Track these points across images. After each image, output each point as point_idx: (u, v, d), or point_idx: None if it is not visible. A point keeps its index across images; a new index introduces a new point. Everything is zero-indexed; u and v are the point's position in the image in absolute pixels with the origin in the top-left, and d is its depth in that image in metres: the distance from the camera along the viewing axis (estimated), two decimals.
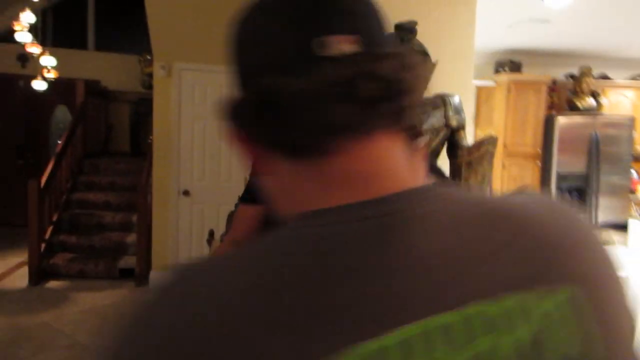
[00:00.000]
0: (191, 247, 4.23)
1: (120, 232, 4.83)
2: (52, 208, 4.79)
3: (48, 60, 4.50)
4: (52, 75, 4.69)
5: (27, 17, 4.26)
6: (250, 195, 1.27)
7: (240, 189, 1.52)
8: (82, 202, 5.13)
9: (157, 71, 4.26)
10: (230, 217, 3.65)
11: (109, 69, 6.27)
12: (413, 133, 0.40)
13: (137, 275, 4.35)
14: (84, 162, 5.59)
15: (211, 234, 2.71)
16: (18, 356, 3.04)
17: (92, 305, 3.96)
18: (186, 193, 4.19)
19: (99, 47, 6.42)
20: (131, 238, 4.68)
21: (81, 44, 6.35)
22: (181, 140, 4.27)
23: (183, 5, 3.90)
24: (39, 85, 4.67)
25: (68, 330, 3.47)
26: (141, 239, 4.35)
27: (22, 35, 4.21)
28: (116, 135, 6.44)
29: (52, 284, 4.42)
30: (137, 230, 4.43)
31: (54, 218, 4.84)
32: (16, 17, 4.28)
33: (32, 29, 4.44)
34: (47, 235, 4.64)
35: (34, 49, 4.32)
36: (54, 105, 6.17)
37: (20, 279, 4.39)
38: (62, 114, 6.24)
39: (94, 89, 5.96)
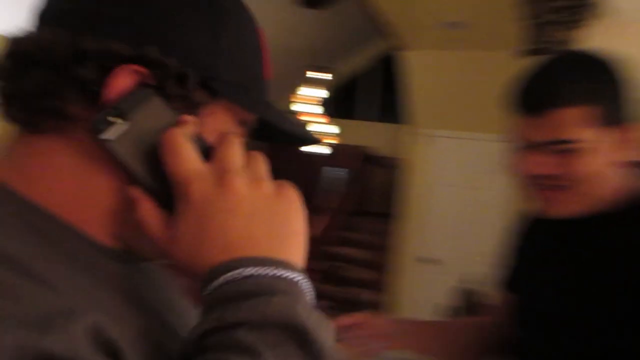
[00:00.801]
0: (418, 313, 4.13)
1: (359, 288, 5.10)
2: (312, 256, 5.41)
3: (329, 129, 5.24)
4: (331, 141, 5.42)
5: (305, 92, 5.06)
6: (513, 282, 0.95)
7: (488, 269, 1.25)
8: (347, 257, 5.63)
9: (414, 138, 4.44)
10: (469, 295, 3.43)
11: (373, 136, 6.81)
12: None
13: None
14: (357, 218, 6.17)
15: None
16: None
17: None
18: (427, 260, 4.14)
19: (373, 117, 7.07)
20: (366, 294, 4.88)
21: (350, 114, 7.12)
22: (432, 206, 4.29)
23: (440, 75, 4.02)
24: (320, 149, 5.46)
25: None
26: (376, 297, 4.51)
27: (310, 108, 5.04)
28: (374, 196, 6.88)
29: None
30: (374, 288, 4.62)
31: (313, 267, 5.45)
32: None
33: (321, 102, 5.26)
34: None
35: (319, 119, 5.09)
36: (326, 166, 7.08)
37: None
38: (331, 174, 7.03)
39: (371, 156, 6.57)
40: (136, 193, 0.37)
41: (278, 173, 0.38)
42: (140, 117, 0.36)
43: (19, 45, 0.37)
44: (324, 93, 5.10)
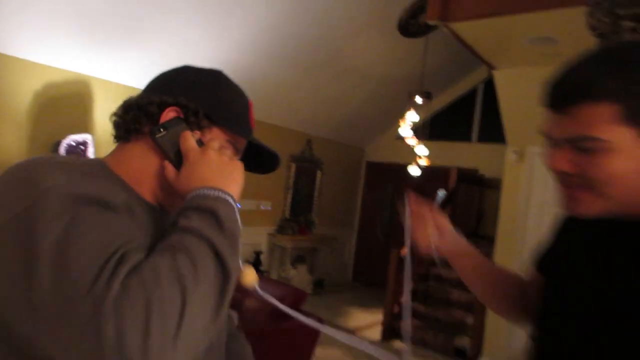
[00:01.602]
0: (515, 334, 3.97)
1: (463, 311, 4.97)
2: (411, 277, 5.42)
3: (421, 150, 5.29)
4: (424, 162, 5.47)
5: (411, 116, 5.16)
6: None
7: None
8: (438, 277, 5.56)
9: (510, 156, 4.36)
10: None
11: (485, 158, 6.70)
12: None
13: (469, 356, 4.36)
14: None
15: None
16: None
17: None
18: None
19: (481, 139, 6.96)
20: (471, 318, 4.74)
21: (465, 137, 7.06)
22: (527, 226, 4.16)
23: (533, 92, 3.93)
24: (413, 170, 5.52)
25: None
26: (478, 320, 4.38)
27: (404, 130, 5.15)
28: (486, 220, 6.71)
29: (397, 344, 4.94)
30: (477, 311, 4.48)
31: (412, 287, 5.44)
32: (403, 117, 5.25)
33: (416, 125, 5.35)
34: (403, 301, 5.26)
35: (411, 141, 5.18)
36: (428, 188, 7.05)
37: (376, 332, 5.11)
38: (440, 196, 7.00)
39: (468, 176, 6.47)
40: (165, 163, 0.74)
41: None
42: (172, 129, 0.74)
43: (126, 101, 0.77)
44: (416, 117, 5.19)
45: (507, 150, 4.37)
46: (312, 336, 3.16)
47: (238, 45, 4.53)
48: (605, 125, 0.66)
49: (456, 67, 6.36)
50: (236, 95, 0.81)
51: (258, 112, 5.86)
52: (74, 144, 4.02)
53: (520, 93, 3.92)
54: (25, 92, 3.90)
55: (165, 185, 0.74)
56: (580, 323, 0.76)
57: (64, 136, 3.98)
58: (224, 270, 0.58)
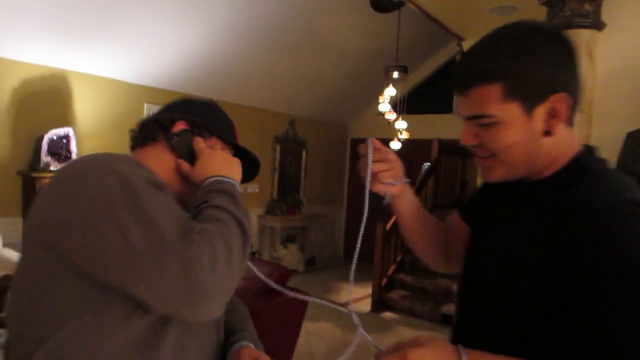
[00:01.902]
0: None
1: (449, 279, 5.12)
2: (397, 249, 5.56)
3: (400, 124, 5.38)
4: (404, 136, 5.56)
5: (389, 91, 5.24)
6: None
7: None
8: None
9: None
10: None
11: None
12: None
13: None
14: (434, 212, 6.21)
15: None
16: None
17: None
18: None
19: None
20: (456, 286, 4.90)
21: (445, 108, 7.15)
22: None
23: None
24: (394, 145, 5.62)
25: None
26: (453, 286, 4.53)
27: (383, 106, 5.23)
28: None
29: (387, 314, 5.10)
30: (452, 278, 4.63)
31: (398, 258, 5.58)
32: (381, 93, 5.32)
33: (395, 100, 5.43)
34: (390, 272, 5.41)
35: (390, 116, 5.27)
36: (412, 161, 7.17)
37: (366, 305, 5.27)
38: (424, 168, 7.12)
39: (449, 147, 6.58)
40: (179, 161, 0.96)
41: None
42: (182, 137, 0.97)
43: (144, 119, 1.00)
44: (393, 91, 5.26)
45: None
46: (300, 311, 3.28)
47: (211, 30, 4.55)
48: (494, 103, 0.77)
49: (431, 40, 6.40)
50: (226, 116, 1.08)
51: (238, 96, 5.91)
52: (55, 138, 4.07)
53: None
54: (3, 88, 3.93)
55: (174, 176, 0.96)
56: (494, 268, 0.88)
57: (46, 131, 4.02)
58: (244, 233, 0.81)
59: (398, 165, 1.05)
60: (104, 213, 0.72)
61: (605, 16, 1.98)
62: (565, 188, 0.80)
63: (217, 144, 1.01)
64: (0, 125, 3.93)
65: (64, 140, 4.13)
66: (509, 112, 0.78)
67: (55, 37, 3.89)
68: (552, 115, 0.78)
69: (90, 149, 4.49)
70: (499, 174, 0.85)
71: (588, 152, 0.85)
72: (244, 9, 4.45)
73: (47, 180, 3.98)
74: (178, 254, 0.70)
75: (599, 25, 1.97)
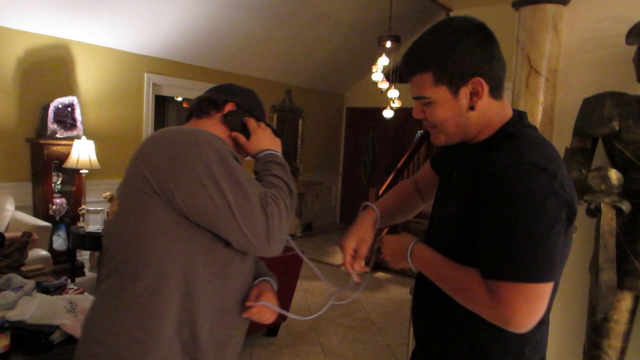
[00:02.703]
0: None
1: None
2: None
3: (393, 93, 5.54)
4: (397, 105, 5.73)
5: (382, 61, 5.37)
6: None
7: None
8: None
9: None
10: None
11: None
12: None
13: None
14: None
15: None
16: (329, 317, 4.01)
17: (395, 296, 4.68)
18: None
19: None
20: None
21: None
22: None
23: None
24: (387, 113, 5.80)
25: (368, 308, 4.28)
26: None
27: (376, 75, 5.38)
28: None
29: (380, 274, 5.39)
30: None
31: None
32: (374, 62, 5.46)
33: (387, 69, 5.57)
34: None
35: (383, 85, 5.42)
36: (405, 129, 7.34)
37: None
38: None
39: None
40: (236, 134, 1.21)
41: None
42: (234, 114, 1.22)
43: (201, 96, 1.25)
44: (386, 60, 5.38)
45: None
46: (296, 269, 3.54)
47: (209, 0, 4.67)
48: (428, 87, 0.99)
49: (423, 10, 6.49)
50: (261, 102, 1.32)
51: (236, 66, 6.09)
52: (61, 106, 4.25)
53: None
54: (8, 58, 4.09)
55: (230, 143, 1.20)
56: (436, 216, 1.16)
57: (51, 99, 4.20)
58: (291, 194, 1.09)
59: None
60: (208, 177, 0.97)
61: None
62: (490, 150, 1.00)
63: (254, 122, 1.24)
64: (7, 93, 4.11)
65: (69, 109, 4.31)
66: (439, 94, 0.99)
67: (59, 7, 4.02)
68: (474, 94, 0.98)
69: (94, 117, 4.68)
70: (441, 140, 1.07)
71: (517, 119, 1.04)
72: None
73: (55, 147, 4.19)
74: (262, 212, 0.99)
75: (564, 1, 2.13)
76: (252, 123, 1.21)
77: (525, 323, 0.91)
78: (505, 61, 1.02)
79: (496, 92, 1.01)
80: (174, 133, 1.04)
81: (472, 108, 0.99)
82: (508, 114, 1.04)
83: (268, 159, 1.15)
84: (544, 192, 0.89)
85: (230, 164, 1.00)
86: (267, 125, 1.27)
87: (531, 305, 0.89)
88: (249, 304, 1.12)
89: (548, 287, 0.91)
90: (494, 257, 0.92)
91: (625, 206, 1.78)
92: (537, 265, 0.88)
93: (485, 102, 0.99)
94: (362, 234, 1.24)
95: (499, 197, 0.91)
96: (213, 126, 1.19)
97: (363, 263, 1.23)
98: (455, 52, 0.96)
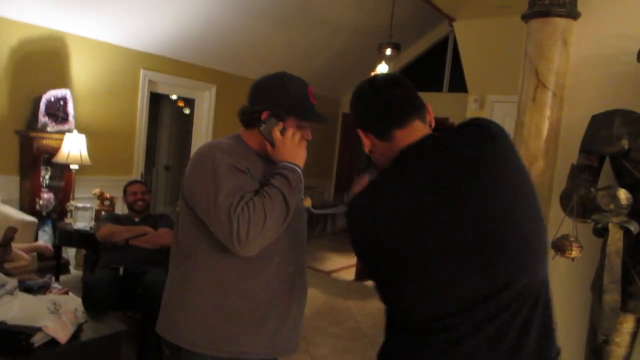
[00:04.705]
0: None
1: None
2: None
3: None
4: None
5: (381, 68, 5.34)
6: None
7: None
8: None
9: (471, 104, 4.62)
10: None
11: (455, 106, 6.93)
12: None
13: None
14: None
15: None
16: (319, 325, 3.95)
17: None
18: None
19: (451, 88, 7.19)
20: None
21: (437, 87, 7.28)
22: None
23: (490, 43, 4.15)
24: None
25: (359, 317, 4.22)
26: None
27: None
28: None
29: (369, 282, 5.32)
30: None
31: None
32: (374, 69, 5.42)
33: None
34: None
35: None
36: None
37: (350, 274, 5.49)
38: None
39: (439, 124, 6.72)
40: (266, 143, 1.36)
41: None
42: (267, 124, 1.34)
43: (243, 108, 1.43)
44: (385, 68, 5.35)
45: (468, 98, 4.62)
46: None
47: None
48: (365, 139, 1.17)
49: (424, 19, 6.48)
50: (299, 86, 1.41)
51: (233, 67, 5.98)
52: (53, 99, 4.15)
53: (479, 44, 4.13)
54: (1, 48, 3.99)
55: (265, 150, 1.37)
56: None
57: (43, 91, 4.10)
58: (287, 206, 1.24)
59: None
60: (203, 185, 1.24)
61: (580, 6, 2.11)
62: None
63: (292, 124, 1.36)
64: None
65: (61, 102, 4.21)
66: (373, 144, 1.18)
67: None
68: (388, 147, 1.14)
69: (87, 111, 4.59)
70: (379, 164, 1.22)
71: (399, 157, 1.13)
72: None
73: (45, 141, 4.09)
74: (227, 217, 1.18)
75: (574, 15, 2.09)
76: (276, 134, 1.33)
77: None
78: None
79: (384, 135, 1.15)
80: (199, 149, 1.35)
81: (370, 152, 1.20)
82: (398, 149, 1.15)
83: (278, 170, 1.29)
84: None
85: (219, 174, 1.23)
86: (310, 119, 1.39)
87: None
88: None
89: None
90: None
91: (634, 227, 1.74)
92: None
93: (376, 147, 1.18)
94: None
95: None
96: (253, 137, 1.39)
97: None
98: (354, 112, 1.22)
